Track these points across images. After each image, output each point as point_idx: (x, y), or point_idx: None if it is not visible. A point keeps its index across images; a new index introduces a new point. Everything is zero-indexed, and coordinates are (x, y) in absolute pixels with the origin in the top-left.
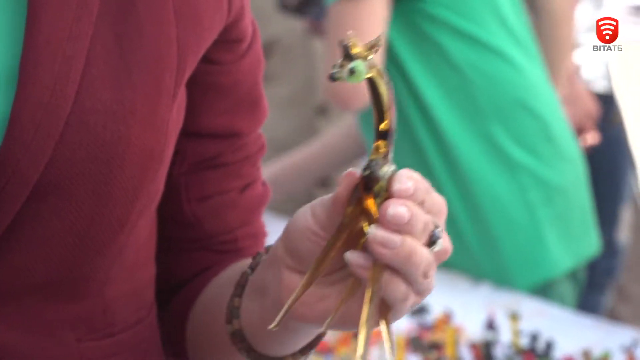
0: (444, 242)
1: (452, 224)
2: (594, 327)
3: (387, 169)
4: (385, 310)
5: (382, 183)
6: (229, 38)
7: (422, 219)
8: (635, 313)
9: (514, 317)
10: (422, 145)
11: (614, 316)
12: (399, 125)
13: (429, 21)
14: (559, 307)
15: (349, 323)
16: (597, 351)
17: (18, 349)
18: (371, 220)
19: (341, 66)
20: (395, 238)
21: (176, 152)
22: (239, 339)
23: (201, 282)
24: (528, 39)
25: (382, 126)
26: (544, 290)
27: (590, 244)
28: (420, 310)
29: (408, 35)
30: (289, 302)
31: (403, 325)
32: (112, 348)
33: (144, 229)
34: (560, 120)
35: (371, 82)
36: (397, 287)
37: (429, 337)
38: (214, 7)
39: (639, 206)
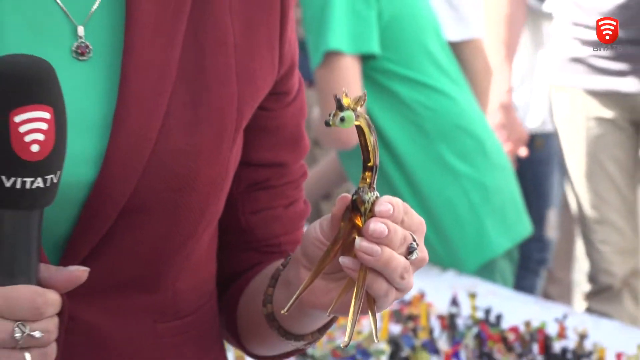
0: (421, 253)
1: None
2: (533, 303)
3: (371, 194)
4: (372, 302)
5: (367, 205)
6: (278, 91)
7: (400, 234)
8: (562, 292)
9: (472, 296)
10: (384, 167)
11: (546, 295)
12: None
13: (383, 74)
14: (506, 288)
15: (346, 311)
16: (535, 322)
17: (109, 328)
18: (360, 234)
19: (334, 115)
20: (376, 248)
21: (234, 177)
22: (271, 319)
23: (250, 275)
24: (459, 76)
25: (369, 163)
26: (488, 268)
27: (523, 227)
28: None
29: (369, 86)
30: (297, 293)
31: None
32: (180, 328)
33: (207, 239)
34: (491, 137)
35: (359, 129)
36: (379, 286)
37: (407, 310)
38: (268, 69)
39: (572, 212)
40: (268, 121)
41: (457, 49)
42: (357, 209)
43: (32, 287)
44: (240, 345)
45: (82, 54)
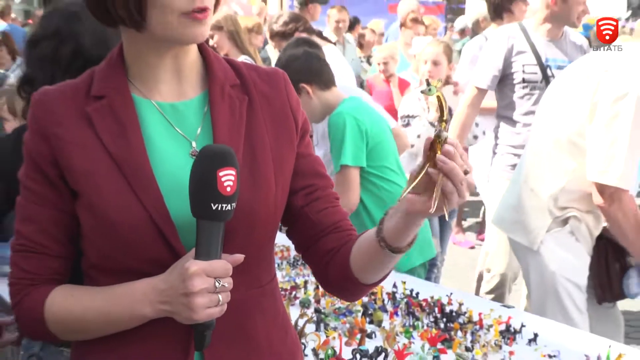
0: (470, 179)
1: None
2: (434, 287)
3: (445, 133)
4: (444, 199)
5: (442, 140)
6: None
7: (459, 159)
8: (454, 285)
9: (404, 283)
10: (363, 219)
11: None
12: (354, 214)
13: (367, 174)
14: (421, 279)
15: (439, 211)
16: (435, 296)
17: None
18: (433, 161)
19: (425, 87)
20: (448, 160)
21: (292, 200)
22: (382, 240)
23: (348, 244)
24: (400, 169)
25: (444, 117)
26: (411, 270)
27: (431, 252)
28: None
29: (361, 182)
30: (407, 190)
31: None
32: (260, 292)
33: (272, 245)
34: None
35: (438, 98)
36: (448, 185)
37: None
38: (290, 153)
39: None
40: (297, 167)
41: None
42: (437, 141)
43: (223, 260)
44: (353, 281)
45: (195, 156)
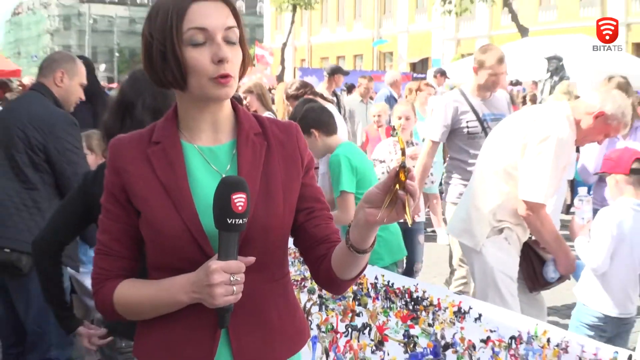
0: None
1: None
2: (404, 279)
3: (407, 164)
4: (408, 210)
5: (407, 169)
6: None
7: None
8: (420, 277)
9: (383, 276)
10: None
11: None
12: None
13: (356, 199)
14: (395, 274)
15: (394, 219)
16: (406, 286)
17: (244, 287)
18: (401, 184)
19: (393, 130)
20: (414, 183)
21: (296, 217)
22: (351, 246)
23: (329, 253)
24: None
25: (403, 155)
26: (387, 266)
27: (401, 253)
28: None
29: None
30: (382, 208)
31: None
32: (275, 285)
33: (284, 250)
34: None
35: (399, 139)
36: (411, 201)
37: (358, 280)
38: (296, 183)
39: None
40: (302, 193)
41: None
42: (402, 171)
43: (237, 261)
44: (336, 279)
45: None
